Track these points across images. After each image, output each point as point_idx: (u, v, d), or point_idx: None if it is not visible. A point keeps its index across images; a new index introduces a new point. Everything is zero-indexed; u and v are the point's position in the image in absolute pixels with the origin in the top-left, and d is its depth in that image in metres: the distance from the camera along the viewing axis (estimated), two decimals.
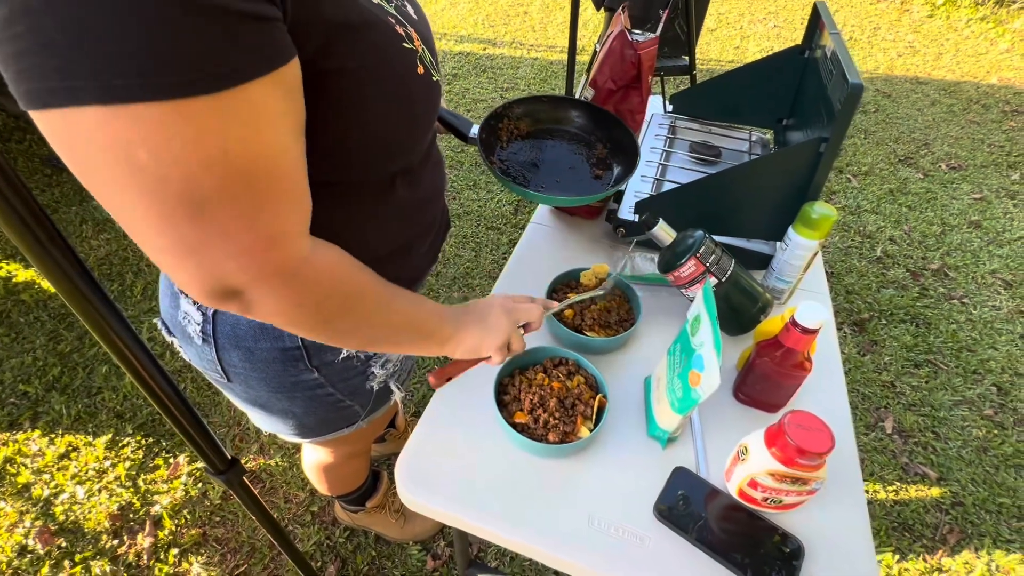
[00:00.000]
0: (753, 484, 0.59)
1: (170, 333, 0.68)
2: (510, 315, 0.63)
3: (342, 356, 0.66)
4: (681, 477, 0.64)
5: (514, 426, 0.65)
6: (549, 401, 0.66)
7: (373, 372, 0.72)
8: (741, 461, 0.59)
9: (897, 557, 1.27)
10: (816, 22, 0.97)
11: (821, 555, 0.59)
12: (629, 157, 0.83)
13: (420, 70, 0.49)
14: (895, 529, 1.32)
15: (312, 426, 0.75)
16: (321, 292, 0.43)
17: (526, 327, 0.67)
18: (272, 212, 0.37)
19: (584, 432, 0.64)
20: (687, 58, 1.88)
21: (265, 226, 0.37)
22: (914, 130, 2.90)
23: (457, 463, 0.65)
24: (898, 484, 1.41)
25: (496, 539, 0.61)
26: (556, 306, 0.70)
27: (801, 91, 1.06)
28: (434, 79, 0.52)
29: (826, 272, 2.04)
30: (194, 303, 0.61)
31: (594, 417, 0.66)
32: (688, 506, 0.61)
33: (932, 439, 1.51)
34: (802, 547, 0.59)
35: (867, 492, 1.39)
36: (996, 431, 1.53)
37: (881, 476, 1.42)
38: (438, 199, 0.69)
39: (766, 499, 0.59)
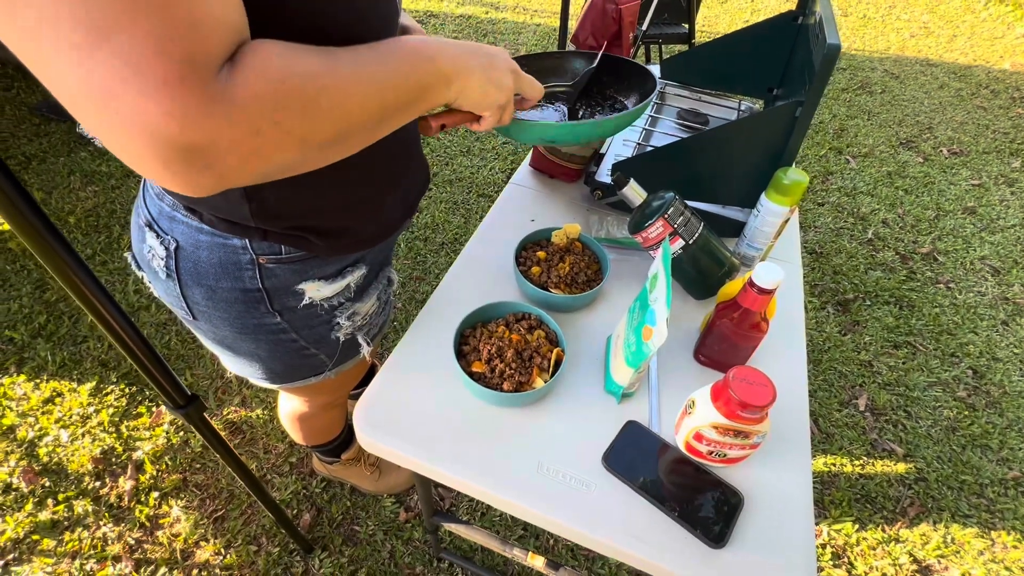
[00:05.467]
0: (698, 437, 0.60)
1: (139, 267, 0.68)
2: (516, 78, 0.57)
3: (303, 303, 0.66)
4: (632, 430, 0.66)
5: (471, 375, 0.66)
6: (507, 352, 0.67)
7: (339, 323, 0.73)
8: (688, 415, 0.61)
9: (857, 527, 1.31)
10: None
11: (760, 509, 0.61)
12: (646, 86, 0.80)
13: None
14: (857, 500, 1.36)
15: (279, 372, 0.76)
16: (272, 106, 0.34)
17: (522, 101, 0.63)
18: (183, 29, 0.30)
19: (539, 383, 0.65)
20: (687, 25, 1.83)
21: (179, 47, 0.30)
22: (919, 113, 2.85)
23: (415, 409, 0.67)
24: (865, 459, 1.44)
25: (447, 480, 0.62)
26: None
27: (792, 59, 1.04)
28: None
29: (815, 252, 2.04)
30: (157, 236, 0.61)
31: (551, 370, 0.67)
32: (636, 457, 0.63)
33: (903, 417, 1.54)
34: (742, 499, 0.60)
35: (834, 465, 1.42)
36: (967, 412, 1.56)
37: (849, 451, 1.45)
38: (405, 151, 0.68)
39: (711, 452, 0.61)
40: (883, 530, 1.31)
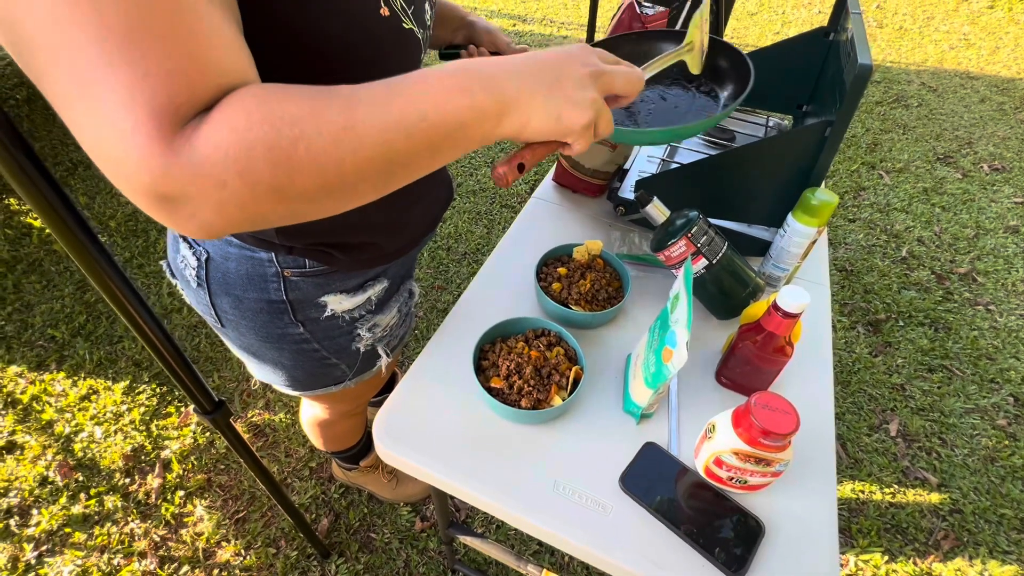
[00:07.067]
0: (718, 462, 0.59)
1: (173, 275, 0.71)
2: (598, 81, 0.44)
3: (325, 315, 0.68)
4: (650, 452, 0.65)
5: (489, 390, 0.66)
6: (525, 368, 0.67)
7: (359, 334, 0.74)
8: (708, 439, 0.60)
9: (887, 558, 1.26)
10: (844, 2, 0.93)
11: (782, 538, 0.59)
12: (741, 76, 0.72)
13: (385, 12, 0.46)
14: (887, 530, 1.30)
15: (301, 379, 0.78)
16: (235, 157, 0.31)
17: (616, 99, 0.48)
18: (152, 79, 0.30)
19: (557, 401, 0.65)
20: None
21: (144, 98, 0.30)
22: (958, 127, 2.76)
23: (433, 422, 0.67)
24: (896, 487, 1.38)
25: (463, 495, 0.63)
26: (653, 70, 0.51)
27: (822, 76, 1.02)
28: (405, 27, 0.48)
29: (845, 269, 1.98)
30: (190, 247, 0.63)
31: (569, 387, 0.67)
32: (654, 480, 0.62)
33: (937, 445, 1.47)
34: (763, 528, 0.59)
35: (862, 491, 1.37)
36: (1007, 442, 1.48)
37: (879, 477, 1.40)
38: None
39: (731, 478, 0.60)
40: (915, 563, 1.25)
